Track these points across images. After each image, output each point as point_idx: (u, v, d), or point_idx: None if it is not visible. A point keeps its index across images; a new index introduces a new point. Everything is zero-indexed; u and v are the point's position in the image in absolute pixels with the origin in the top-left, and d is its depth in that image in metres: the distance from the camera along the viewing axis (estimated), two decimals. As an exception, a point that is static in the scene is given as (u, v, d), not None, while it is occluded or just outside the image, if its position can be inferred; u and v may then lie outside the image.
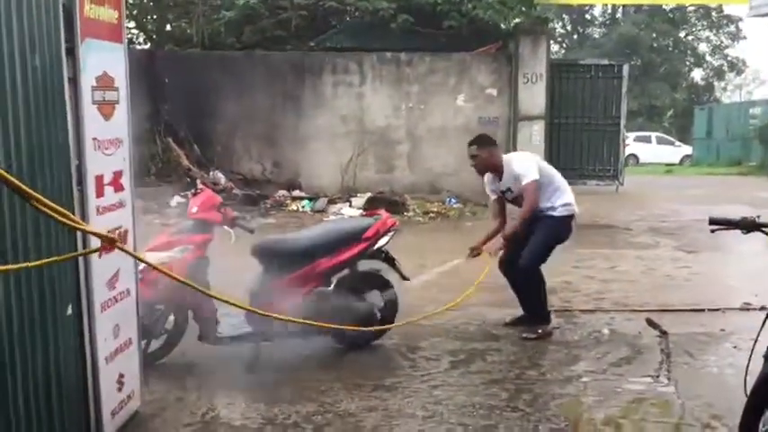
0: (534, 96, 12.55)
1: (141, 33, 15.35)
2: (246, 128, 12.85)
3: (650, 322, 5.46)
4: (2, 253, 2.62)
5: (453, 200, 12.36)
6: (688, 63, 38.50)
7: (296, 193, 12.55)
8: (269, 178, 12.84)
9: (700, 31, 38.98)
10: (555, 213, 5.04)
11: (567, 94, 13.93)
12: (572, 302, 6.19)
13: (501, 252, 5.13)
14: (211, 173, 12.05)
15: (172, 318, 4.51)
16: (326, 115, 12.87)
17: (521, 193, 5.01)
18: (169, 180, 12.26)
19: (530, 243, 5.00)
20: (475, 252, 5.17)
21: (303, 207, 11.93)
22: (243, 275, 4.66)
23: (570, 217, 5.10)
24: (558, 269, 7.14)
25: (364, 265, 4.86)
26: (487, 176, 5.21)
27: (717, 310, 5.90)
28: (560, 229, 5.07)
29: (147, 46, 15.33)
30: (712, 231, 3.03)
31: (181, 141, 12.51)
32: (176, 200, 11.70)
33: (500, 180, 5.11)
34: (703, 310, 5.88)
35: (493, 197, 5.26)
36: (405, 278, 4.95)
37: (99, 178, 3.22)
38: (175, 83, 12.64)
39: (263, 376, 4.34)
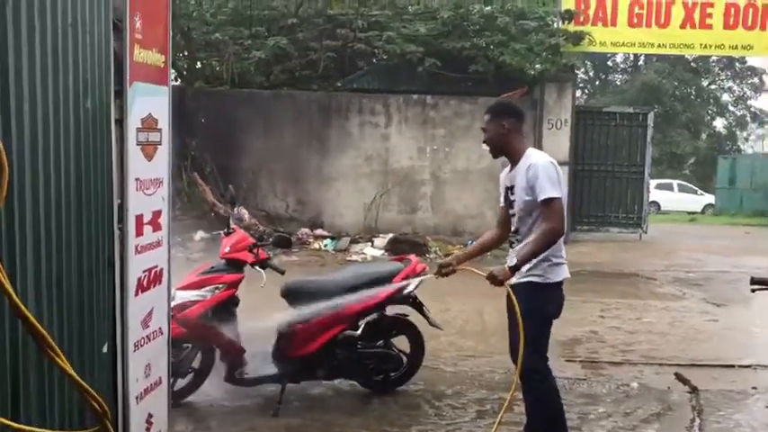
0: (559, 142, 12.64)
1: (173, 70, 15.63)
2: (272, 165, 12.98)
3: (680, 377, 5.36)
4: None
5: (474, 242, 12.31)
6: (710, 112, 38.41)
7: (318, 231, 12.56)
8: (292, 216, 12.89)
9: (723, 81, 39.01)
10: (550, 276, 3.62)
11: (592, 141, 14.06)
12: (599, 353, 6.10)
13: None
14: (236, 209, 12.10)
15: (199, 356, 4.51)
16: (351, 155, 12.99)
17: (525, 211, 3.64)
18: (194, 215, 12.33)
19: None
20: (445, 271, 3.92)
21: (325, 246, 11.93)
22: (271, 315, 4.65)
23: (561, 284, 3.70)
24: (584, 319, 7.10)
25: (392, 310, 4.86)
26: (503, 165, 3.82)
27: (748, 366, 5.77)
28: (553, 297, 3.70)
29: (178, 82, 15.61)
30: (753, 291, 3.00)
31: (206, 176, 12.64)
32: (200, 235, 11.77)
33: (510, 170, 3.75)
34: (734, 366, 5.75)
35: (502, 199, 3.90)
36: (433, 324, 4.91)
37: (139, 218, 3.25)
38: (204, 119, 12.84)
39: (287, 419, 4.31)
